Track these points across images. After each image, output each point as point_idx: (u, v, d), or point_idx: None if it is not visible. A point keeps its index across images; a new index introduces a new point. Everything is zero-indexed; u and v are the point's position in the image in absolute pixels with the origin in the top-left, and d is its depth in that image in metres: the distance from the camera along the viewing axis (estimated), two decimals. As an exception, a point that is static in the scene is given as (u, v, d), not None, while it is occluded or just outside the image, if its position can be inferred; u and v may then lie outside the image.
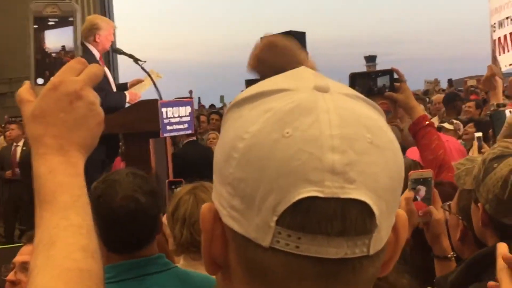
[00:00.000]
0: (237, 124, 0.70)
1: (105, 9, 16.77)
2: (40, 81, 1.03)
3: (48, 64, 1.04)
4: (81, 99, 0.96)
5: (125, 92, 5.86)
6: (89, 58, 5.79)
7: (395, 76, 2.61)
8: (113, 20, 12.73)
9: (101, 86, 5.67)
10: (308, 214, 0.64)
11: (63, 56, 1.05)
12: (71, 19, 1.05)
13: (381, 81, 2.59)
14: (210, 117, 11.10)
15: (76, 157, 0.95)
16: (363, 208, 0.64)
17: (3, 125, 13.73)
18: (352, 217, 0.64)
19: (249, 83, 10.62)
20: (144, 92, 6.02)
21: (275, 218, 0.64)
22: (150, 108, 5.32)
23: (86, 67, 0.99)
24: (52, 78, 0.98)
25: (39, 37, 1.05)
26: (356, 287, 0.67)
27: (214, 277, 0.77)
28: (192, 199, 2.57)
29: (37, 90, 1.00)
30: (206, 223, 0.72)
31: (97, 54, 5.92)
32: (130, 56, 5.73)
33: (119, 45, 6.61)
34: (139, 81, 6.00)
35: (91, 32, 5.90)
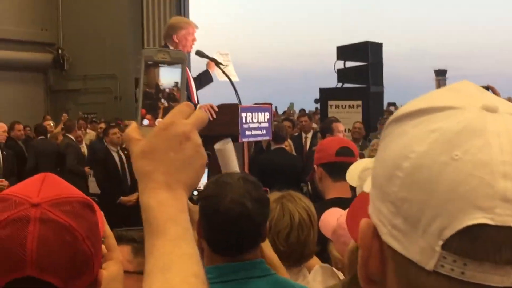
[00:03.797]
0: (400, 141, 0.69)
1: (181, 13, 17.03)
2: (145, 122, 1.08)
3: (154, 107, 1.09)
4: (189, 141, 1.01)
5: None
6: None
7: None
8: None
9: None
10: (477, 242, 0.62)
11: (169, 100, 1.09)
12: (179, 66, 1.10)
13: None
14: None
15: (181, 194, 1.00)
16: None
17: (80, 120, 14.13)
18: None
19: (323, 91, 10.60)
20: (223, 96, 5.91)
21: (440, 243, 0.63)
22: (230, 112, 5.37)
23: (193, 111, 1.04)
24: (163, 119, 1.04)
25: (152, 76, 1.09)
26: None
27: None
28: (279, 208, 2.59)
29: (143, 131, 1.05)
30: (365, 239, 0.72)
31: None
32: (212, 59, 5.76)
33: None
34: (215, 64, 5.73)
35: (169, 33, 5.84)
